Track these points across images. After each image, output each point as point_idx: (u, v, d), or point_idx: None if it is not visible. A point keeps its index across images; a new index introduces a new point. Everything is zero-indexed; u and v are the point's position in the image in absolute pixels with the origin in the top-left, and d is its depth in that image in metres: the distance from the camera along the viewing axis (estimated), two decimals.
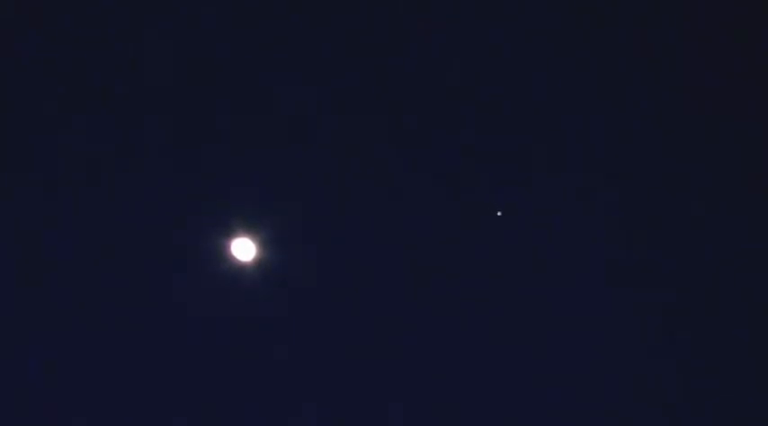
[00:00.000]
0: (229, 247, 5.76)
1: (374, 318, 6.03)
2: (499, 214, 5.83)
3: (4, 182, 5.54)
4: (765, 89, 5.62)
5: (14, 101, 5.36)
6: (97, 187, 5.65)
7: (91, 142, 5.54)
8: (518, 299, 6.07)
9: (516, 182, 5.87)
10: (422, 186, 5.81)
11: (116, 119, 5.54)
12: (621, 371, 6.09)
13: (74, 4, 5.28)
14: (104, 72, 5.44)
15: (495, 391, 6.11)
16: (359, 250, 5.89)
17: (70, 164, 5.58)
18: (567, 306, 6.02)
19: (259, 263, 5.80)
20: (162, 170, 5.64)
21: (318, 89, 5.56)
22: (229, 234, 5.74)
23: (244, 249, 5.77)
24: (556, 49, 5.57)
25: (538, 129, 5.74)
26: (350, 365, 6.10)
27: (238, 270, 5.81)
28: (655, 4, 5.47)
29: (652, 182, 5.84)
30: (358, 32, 5.44)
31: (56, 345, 5.83)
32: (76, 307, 5.81)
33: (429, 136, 5.72)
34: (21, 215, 5.60)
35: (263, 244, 5.78)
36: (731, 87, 5.62)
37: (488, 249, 5.99)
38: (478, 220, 5.93)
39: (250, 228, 5.75)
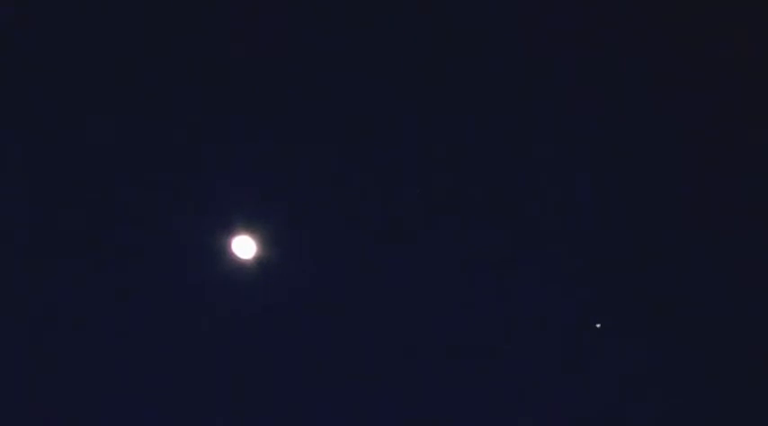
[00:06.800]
0: (230, 245, 5.76)
1: (375, 317, 6.04)
2: (598, 326, 5.94)
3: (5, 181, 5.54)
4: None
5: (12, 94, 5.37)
6: (96, 184, 5.64)
7: (90, 140, 5.54)
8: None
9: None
10: (423, 184, 5.81)
11: (116, 116, 5.52)
12: None
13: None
14: (104, 70, 5.43)
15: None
16: (360, 248, 5.89)
17: (69, 161, 5.57)
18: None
19: (259, 261, 5.80)
20: (161, 167, 5.63)
21: (319, 86, 5.56)
22: (230, 231, 5.74)
23: (244, 247, 5.77)
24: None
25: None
26: (350, 364, 6.10)
27: (238, 267, 5.81)
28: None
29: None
30: (361, 30, 5.44)
31: (54, 343, 5.82)
32: (75, 305, 5.81)
33: (431, 135, 5.72)
34: (21, 212, 5.60)
35: (264, 242, 5.78)
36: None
37: (492, 254, 6.00)
38: (481, 222, 5.94)
39: (250, 226, 5.75)
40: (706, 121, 5.66)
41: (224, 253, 5.77)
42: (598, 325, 6.01)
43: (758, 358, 6.12)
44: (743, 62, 5.51)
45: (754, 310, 6.05)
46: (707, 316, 6.09)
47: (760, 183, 5.80)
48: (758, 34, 5.44)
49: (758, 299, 6.04)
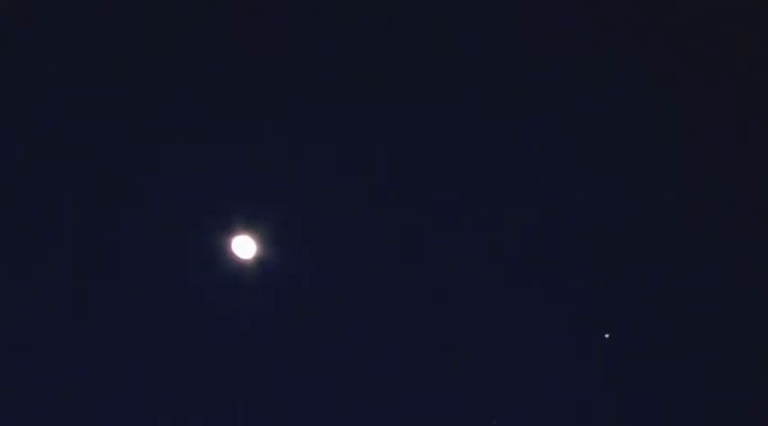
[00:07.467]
0: (230, 245, 5.76)
1: (374, 317, 6.04)
2: (607, 336, 6.00)
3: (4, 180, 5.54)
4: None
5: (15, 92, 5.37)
6: (96, 184, 5.64)
7: (90, 140, 5.54)
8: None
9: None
10: (423, 182, 5.82)
11: (116, 116, 5.52)
12: None
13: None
14: (104, 69, 5.43)
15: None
16: (360, 248, 5.89)
17: (69, 161, 5.57)
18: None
19: (259, 261, 5.80)
20: (161, 167, 5.63)
21: (319, 86, 5.56)
22: (230, 231, 5.74)
23: (244, 247, 5.77)
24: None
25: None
26: (350, 364, 6.10)
27: (238, 267, 5.80)
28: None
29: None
30: (361, 30, 5.44)
31: (53, 343, 5.82)
32: (75, 305, 5.80)
33: (431, 135, 5.72)
34: (22, 212, 5.60)
35: (264, 242, 5.78)
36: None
37: (492, 255, 6.01)
38: (481, 222, 5.94)
39: (250, 226, 5.75)
40: (706, 121, 5.66)
41: (224, 253, 5.77)
42: (607, 336, 6.03)
43: (758, 358, 6.12)
44: (743, 62, 5.51)
45: (755, 310, 6.05)
46: (707, 316, 6.09)
47: (760, 183, 5.80)
48: (758, 34, 5.44)
49: (758, 299, 6.04)
